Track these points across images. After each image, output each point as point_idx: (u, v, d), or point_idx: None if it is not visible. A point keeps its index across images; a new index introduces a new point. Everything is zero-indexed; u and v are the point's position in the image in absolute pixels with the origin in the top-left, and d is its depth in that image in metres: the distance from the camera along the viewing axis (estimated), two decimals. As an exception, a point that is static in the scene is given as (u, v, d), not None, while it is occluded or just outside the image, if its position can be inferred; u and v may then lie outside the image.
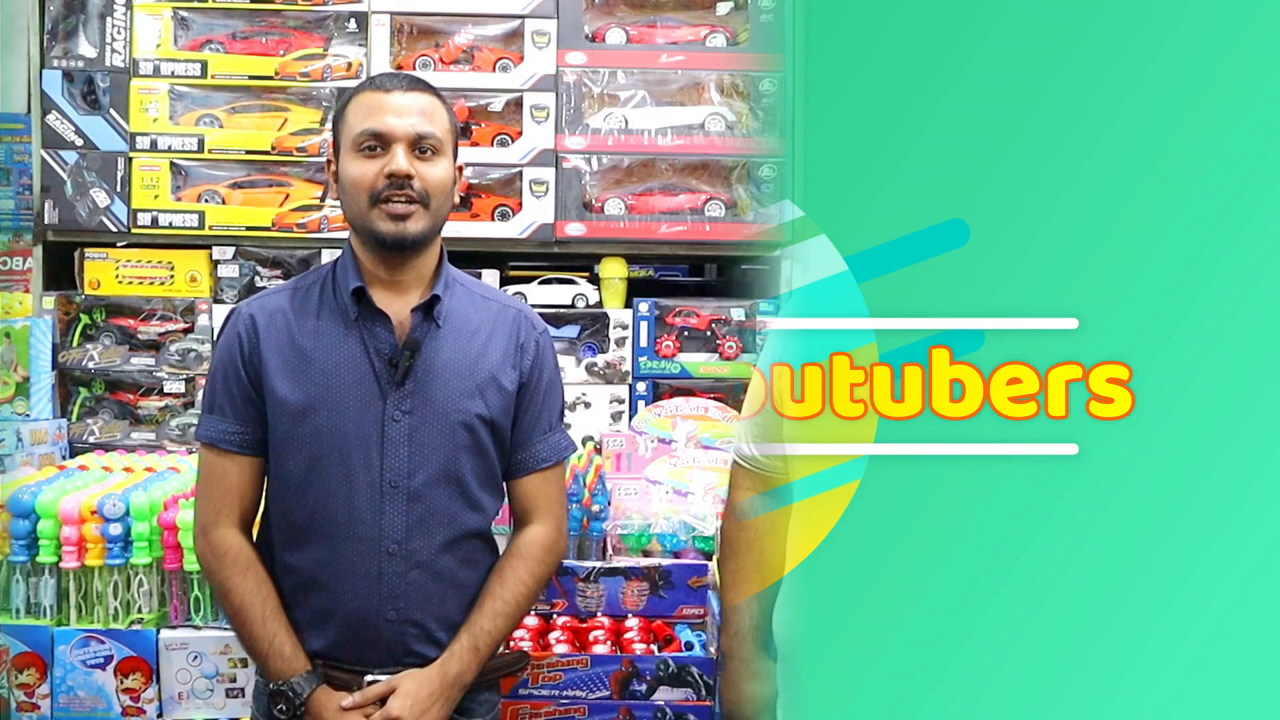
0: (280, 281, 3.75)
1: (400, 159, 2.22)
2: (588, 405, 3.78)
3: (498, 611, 2.32)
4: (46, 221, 3.75)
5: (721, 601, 2.44)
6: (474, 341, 2.34)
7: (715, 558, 3.03)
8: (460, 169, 2.39)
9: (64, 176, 3.73)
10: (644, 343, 3.83)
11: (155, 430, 3.73)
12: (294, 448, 2.25)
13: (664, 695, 2.79)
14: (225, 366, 2.30)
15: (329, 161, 2.36)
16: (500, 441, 2.36)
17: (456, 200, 2.40)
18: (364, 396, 2.25)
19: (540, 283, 3.93)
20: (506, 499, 2.46)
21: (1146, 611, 1.38)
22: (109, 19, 3.73)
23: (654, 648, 2.90)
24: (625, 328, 3.84)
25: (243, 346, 2.28)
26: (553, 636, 2.91)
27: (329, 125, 3.73)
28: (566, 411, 3.71)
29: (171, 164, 3.76)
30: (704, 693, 2.79)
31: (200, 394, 3.69)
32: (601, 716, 2.79)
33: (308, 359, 2.26)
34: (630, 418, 3.78)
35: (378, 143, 2.23)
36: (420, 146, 2.25)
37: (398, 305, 2.30)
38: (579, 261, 4.09)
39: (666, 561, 3.06)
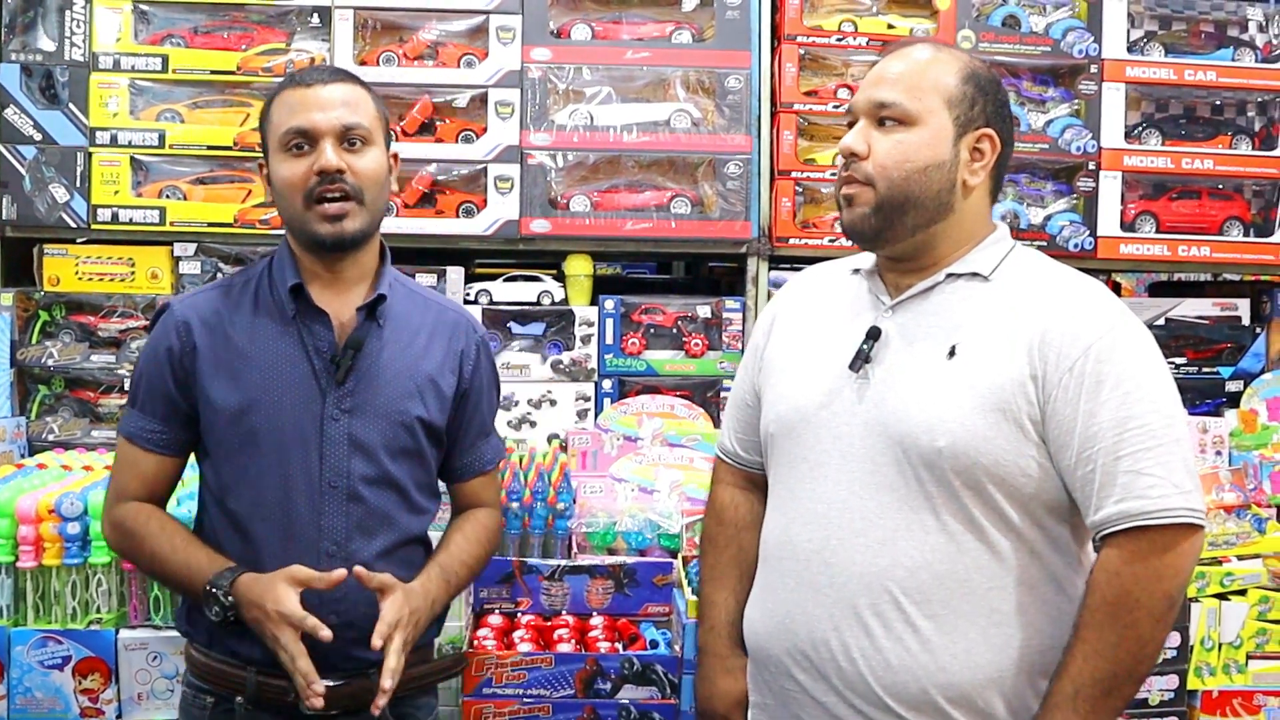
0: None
1: (329, 154, 2.18)
2: (553, 403, 3.76)
3: (464, 558, 2.38)
4: (5, 217, 3.70)
5: (700, 595, 2.43)
6: (415, 343, 2.33)
7: (680, 555, 3.03)
8: (395, 156, 2.35)
9: (22, 171, 3.68)
10: (610, 340, 3.81)
11: (116, 428, 3.69)
12: (231, 448, 2.22)
13: (629, 694, 2.78)
14: (152, 368, 2.27)
15: (261, 165, 2.32)
16: (437, 444, 2.37)
17: (395, 189, 2.37)
18: (303, 395, 2.22)
19: (505, 280, 3.91)
20: (449, 500, 2.50)
21: None
22: (68, 12, 3.69)
23: (619, 646, 2.89)
24: (591, 325, 3.82)
25: (173, 351, 2.24)
26: (517, 635, 2.89)
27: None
28: (532, 409, 3.71)
29: (132, 159, 3.72)
30: (669, 691, 2.78)
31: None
32: (566, 715, 2.78)
33: (244, 358, 2.23)
34: (596, 415, 3.77)
35: (304, 140, 2.20)
36: (349, 138, 2.21)
37: (337, 303, 2.28)
38: (544, 259, 4.08)
39: (631, 559, 3.05)
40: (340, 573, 2.13)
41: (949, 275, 2.10)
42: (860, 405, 2.08)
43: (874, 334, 2.10)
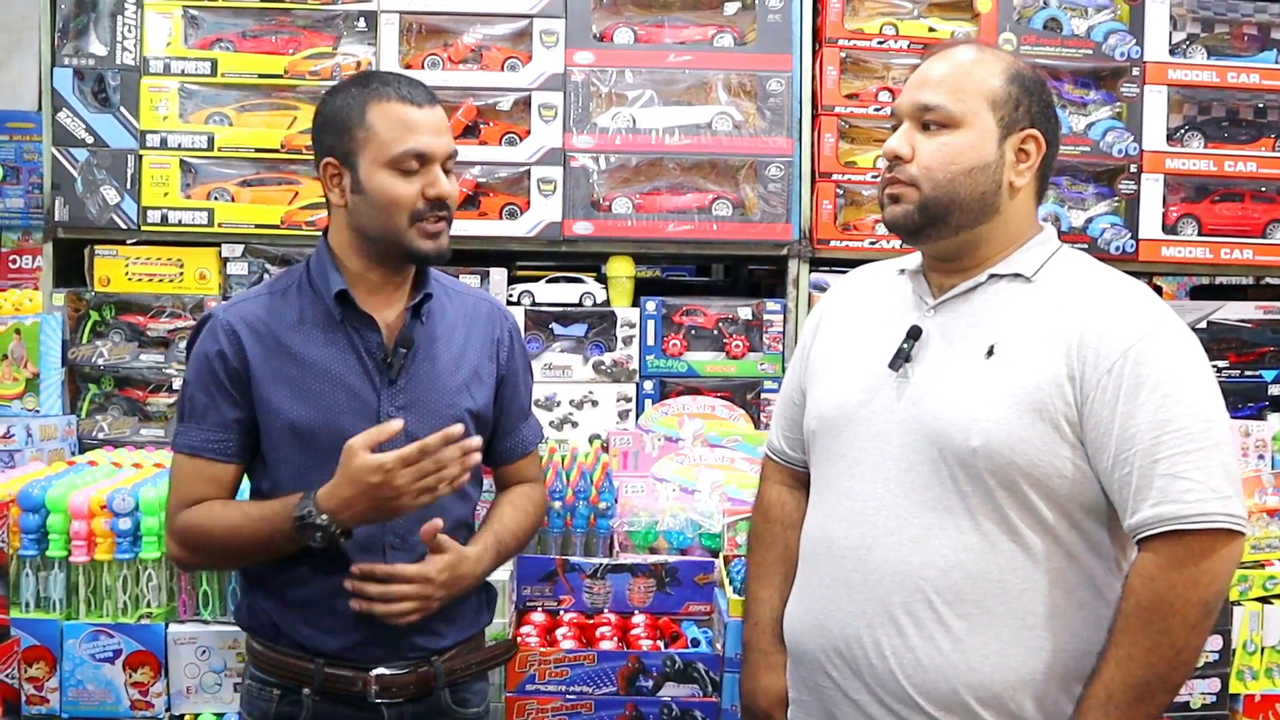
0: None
1: (444, 182, 2.25)
2: (595, 404, 3.79)
3: (514, 530, 2.45)
4: (57, 219, 3.76)
5: (746, 592, 2.45)
6: (455, 337, 2.38)
7: (721, 554, 3.05)
8: None
9: (74, 174, 3.74)
10: (651, 341, 3.84)
11: (164, 427, 3.74)
12: (291, 452, 2.25)
13: (670, 691, 2.80)
14: (206, 376, 2.27)
15: (328, 164, 2.28)
16: (483, 432, 2.41)
17: None
18: (358, 396, 2.26)
19: (548, 281, 3.94)
20: (493, 482, 2.58)
21: None
22: (120, 17, 3.75)
23: (661, 644, 2.90)
24: (632, 326, 3.85)
25: (226, 357, 2.26)
26: (559, 632, 2.92)
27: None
28: (574, 409, 3.74)
29: (181, 162, 3.77)
30: (710, 689, 2.79)
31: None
32: (608, 712, 2.80)
33: (297, 363, 2.26)
34: (637, 416, 3.80)
35: (419, 162, 2.24)
36: (447, 165, 2.29)
37: (381, 304, 2.32)
38: (586, 260, 4.10)
39: (673, 558, 3.07)
40: (396, 424, 2.16)
41: (991, 276, 2.10)
42: (899, 404, 2.09)
43: (915, 333, 2.11)
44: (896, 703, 2.03)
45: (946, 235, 2.09)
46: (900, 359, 2.10)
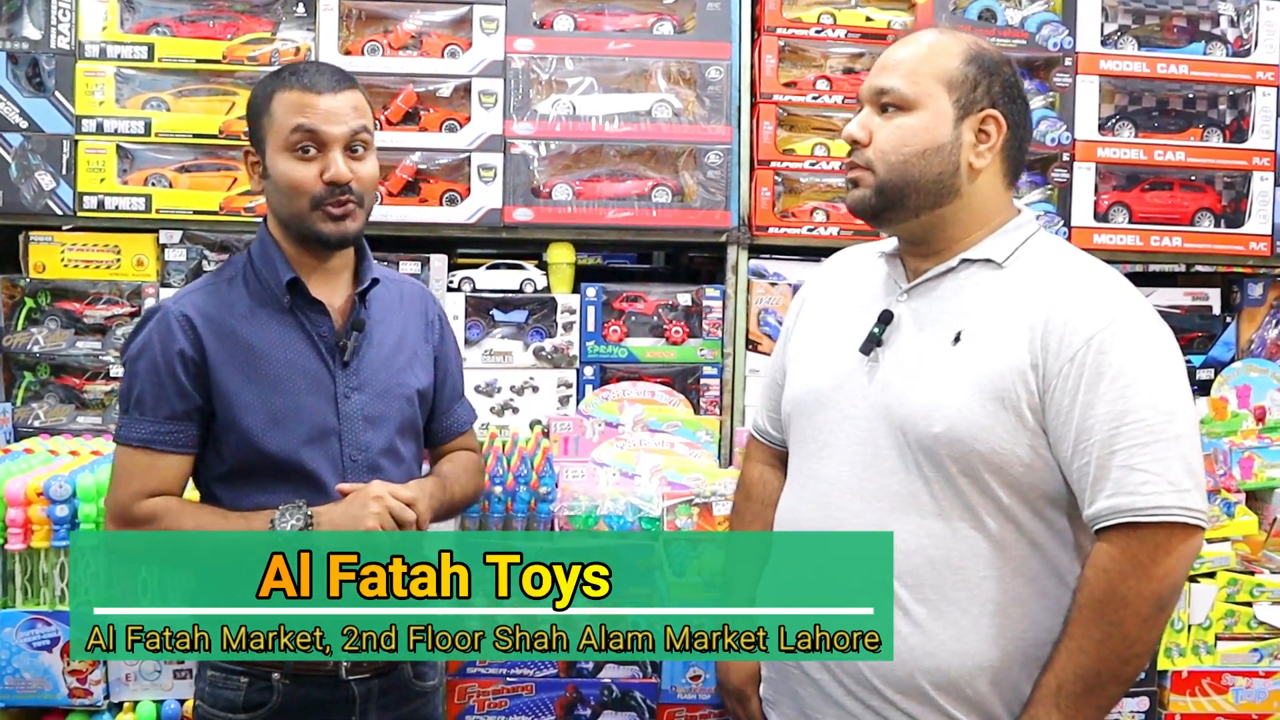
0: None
1: (341, 165, 2.25)
2: (535, 389, 3.80)
3: (457, 474, 2.51)
4: (-10, 204, 3.72)
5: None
6: (395, 319, 2.44)
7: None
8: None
9: (8, 159, 3.70)
10: (591, 327, 3.85)
11: (101, 414, 3.72)
12: (255, 439, 2.26)
13: (611, 673, 2.83)
14: (160, 369, 2.26)
15: (248, 153, 2.36)
16: (427, 413, 2.49)
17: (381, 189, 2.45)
18: (315, 380, 2.30)
19: (488, 268, 3.95)
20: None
21: None
22: (54, 0, 3.70)
23: (601, 626, 2.92)
24: (573, 313, 3.86)
25: (184, 350, 2.26)
26: (500, 616, 2.93)
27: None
28: (514, 395, 3.75)
29: (118, 147, 3.73)
30: (650, 671, 2.82)
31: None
32: (549, 694, 2.82)
33: (254, 351, 2.28)
34: (578, 401, 3.81)
35: (312, 144, 2.25)
36: (353, 145, 2.28)
37: (327, 291, 2.36)
38: (527, 247, 4.11)
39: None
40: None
41: (964, 260, 2.12)
42: (869, 388, 2.12)
43: (886, 318, 2.13)
44: (856, 685, 2.07)
45: (906, 217, 2.12)
46: (871, 343, 2.13)
